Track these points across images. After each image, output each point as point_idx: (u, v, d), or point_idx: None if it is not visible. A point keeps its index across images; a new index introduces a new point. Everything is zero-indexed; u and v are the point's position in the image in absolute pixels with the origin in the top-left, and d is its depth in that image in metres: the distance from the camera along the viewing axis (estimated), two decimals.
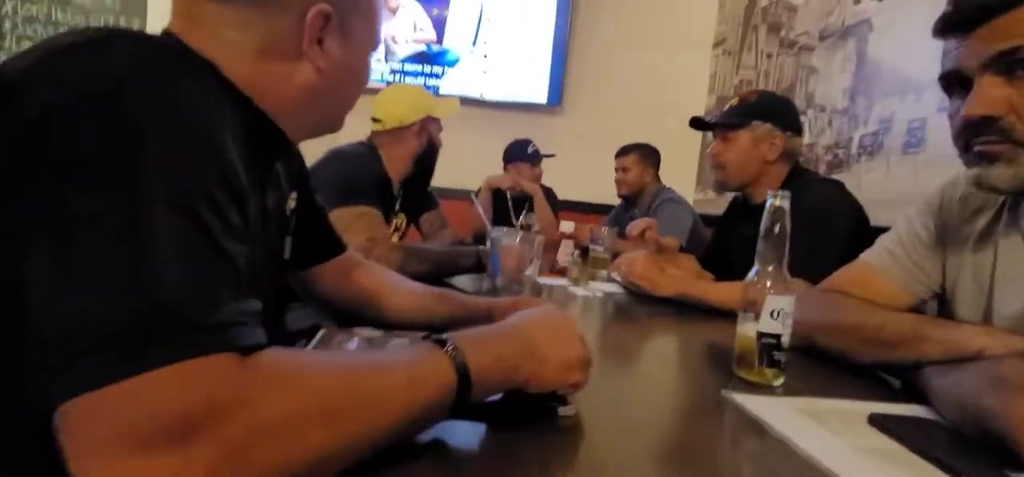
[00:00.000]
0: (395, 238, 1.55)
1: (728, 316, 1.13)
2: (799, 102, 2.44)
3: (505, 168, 2.61)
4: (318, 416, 0.34)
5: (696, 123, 1.51)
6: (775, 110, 1.36)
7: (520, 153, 2.54)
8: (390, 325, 0.79)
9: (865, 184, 1.99)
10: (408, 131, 1.51)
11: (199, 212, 0.36)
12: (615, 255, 1.61)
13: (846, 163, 2.11)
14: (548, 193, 2.62)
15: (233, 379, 0.32)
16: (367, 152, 1.47)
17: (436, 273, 1.28)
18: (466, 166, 3.56)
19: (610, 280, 1.45)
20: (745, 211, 1.41)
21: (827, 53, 2.29)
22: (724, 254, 1.54)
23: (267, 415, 0.33)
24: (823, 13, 2.32)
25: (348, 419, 0.36)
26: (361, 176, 1.35)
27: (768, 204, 0.72)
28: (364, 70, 0.62)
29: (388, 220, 1.52)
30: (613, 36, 3.44)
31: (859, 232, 1.22)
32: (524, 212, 2.62)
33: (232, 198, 0.40)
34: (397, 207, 1.57)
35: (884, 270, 0.89)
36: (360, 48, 0.59)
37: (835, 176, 2.21)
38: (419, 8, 3.26)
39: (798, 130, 1.36)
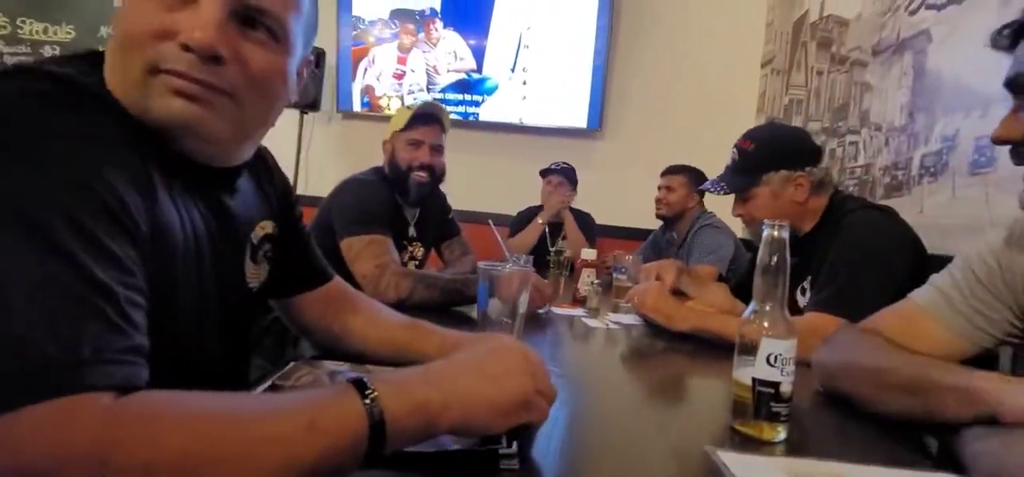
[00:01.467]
0: (412, 266, 1.55)
1: None
2: (853, 121, 2.26)
3: (542, 189, 2.61)
4: (183, 467, 0.32)
5: (703, 189, 1.42)
6: (781, 152, 1.23)
7: (554, 165, 2.55)
8: (364, 358, 0.77)
9: (929, 208, 1.81)
10: (386, 150, 1.54)
11: (58, 242, 0.34)
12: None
13: (906, 185, 1.93)
14: (585, 218, 2.57)
15: (91, 424, 0.31)
16: (378, 179, 1.49)
17: (445, 301, 1.27)
18: (506, 191, 3.57)
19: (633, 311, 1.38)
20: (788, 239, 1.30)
21: (882, 68, 2.12)
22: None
23: (124, 464, 0.31)
24: (876, 27, 2.16)
25: (221, 469, 0.33)
26: (371, 203, 1.37)
27: (765, 234, 0.65)
28: (122, 13, 0.51)
29: (401, 246, 1.53)
30: (655, 57, 3.37)
31: (913, 264, 1.09)
32: (559, 240, 2.58)
33: (111, 227, 0.38)
34: (412, 233, 1.57)
35: (935, 312, 0.79)
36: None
37: (895, 199, 2.02)
38: (458, 38, 3.33)
39: (815, 157, 1.23)
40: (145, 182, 0.45)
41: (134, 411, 0.33)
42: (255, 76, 0.53)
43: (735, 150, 1.29)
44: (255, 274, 0.71)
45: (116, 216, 0.39)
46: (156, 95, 0.50)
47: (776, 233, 0.63)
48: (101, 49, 0.53)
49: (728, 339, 1.09)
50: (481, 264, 0.85)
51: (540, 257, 2.59)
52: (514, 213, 3.34)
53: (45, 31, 3.69)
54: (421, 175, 1.51)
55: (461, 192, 3.37)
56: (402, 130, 1.49)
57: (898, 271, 1.07)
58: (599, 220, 3.02)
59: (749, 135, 1.28)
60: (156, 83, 0.50)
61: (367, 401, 0.40)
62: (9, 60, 3.65)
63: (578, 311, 1.39)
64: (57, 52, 3.64)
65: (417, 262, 1.58)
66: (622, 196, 3.35)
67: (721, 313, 1.24)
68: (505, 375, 0.48)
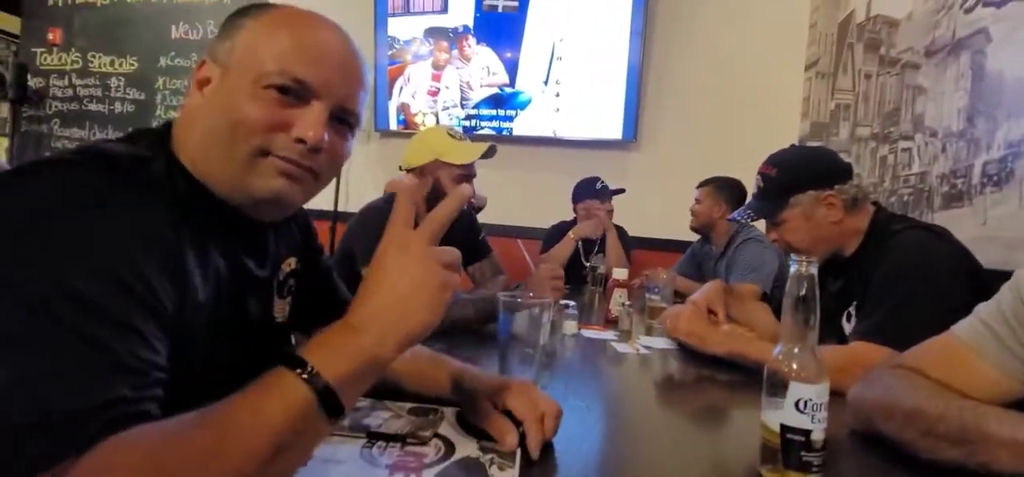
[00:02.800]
0: None
1: None
2: (906, 126, 2.13)
3: (574, 209, 2.56)
4: None
5: (732, 219, 1.36)
6: (806, 172, 1.17)
7: (588, 190, 2.48)
8: (384, 392, 0.77)
9: (993, 220, 1.67)
10: (418, 173, 1.49)
11: (60, 311, 0.40)
12: (682, 297, 1.49)
13: (967, 195, 1.80)
14: (619, 232, 2.52)
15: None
16: (390, 206, 1.49)
17: (479, 319, 1.27)
18: (540, 205, 3.56)
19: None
20: (832, 263, 1.23)
21: (936, 70, 1.99)
22: None
23: None
24: (928, 26, 2.03)
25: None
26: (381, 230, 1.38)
27: (793, 269, 0.61)
28: (233, 103, 0.58)
29: None
30: (692, 64, 3.29)
31: (969, 288, 1.00)
32: (594, 253, 2.54)
33: (141, 313, 0.45)
34: None
35: (980, 348, 0.72)
36: (235, 81, 0.59)
37: (955, 210, 1.89)
38: (491, 53, 3.36)
39: (844, 174, 1.16)
40: (178, 263, 0.52)
41: (97, 465, 0.37)
42: (336, 160, 0.63)
43: (758, 177, 1.23)
44: (281, 308, 0.74)
45: (145, 301, 0.46)
46: (263, 175, 0.59)
47: (804, 269, 0.60)
48: (170, 119, 0.64)
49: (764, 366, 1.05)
50: (500, 296, 0.84)
51: (573, 273, 2.56)
52: (548, 226, 3.33)
53: (112, 63, 3.96)
54: (465, 211, 1.54)
55: (494, 207, 3.39)
56: (455, 165, 1.47)
57: (951, 296, 0.99)
58: (634, 233, 2.96)
59: (770, 160, 1.22)
60: (264, 164, 0.59)
61: (305, 376, 0.44)
62: (82, 91, 3.95)
63: (608, 334, 1.36)
64: (122, 82, 3.91)
65: None
66: (658, 208, 3.28)
67: (760, 339, 1.18)
68: (412, 274, 0.53)
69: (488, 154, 1.52)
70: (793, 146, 1.30)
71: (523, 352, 0.82)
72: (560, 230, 2.55)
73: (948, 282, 0.99)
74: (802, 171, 1.17)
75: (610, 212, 2.47)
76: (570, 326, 1.31)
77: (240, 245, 0.65)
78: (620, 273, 1.55)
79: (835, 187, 1.14)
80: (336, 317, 0.83)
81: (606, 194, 2.46)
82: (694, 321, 1.13)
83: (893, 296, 1.00)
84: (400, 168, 1.57)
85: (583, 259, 2.55)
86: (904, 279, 1.00)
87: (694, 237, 2.61)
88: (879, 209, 1.17)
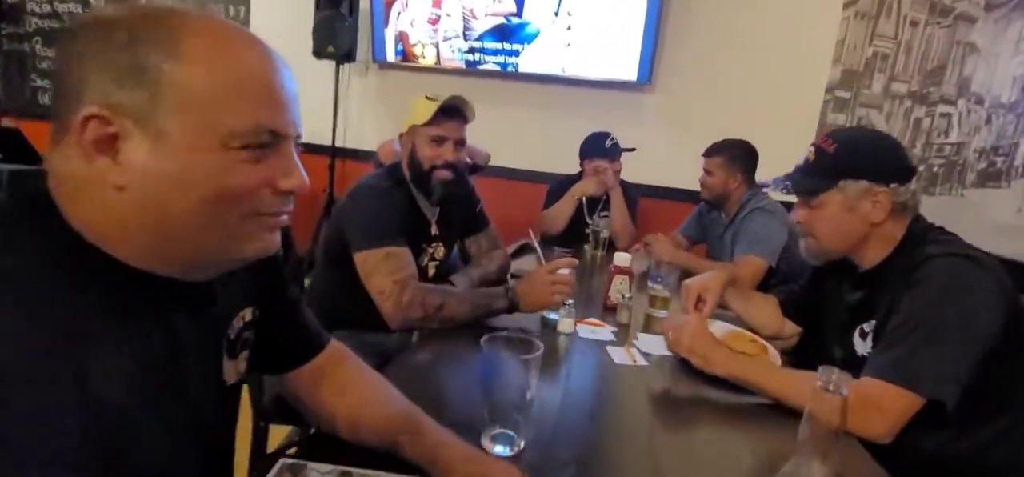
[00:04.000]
0: (432, 268, 1.48)
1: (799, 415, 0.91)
2: (949, 88, 1.94)
3: (581, 164, 2.42)
4: None
5: (764, 185, 1.20)
6: (868, 160, 1.03)
7: (597, 148, 2.32)
8: (353, 450, 0.71)
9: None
10: (403, 143, 1.42)
11: None
12: (683, 276, 1.40)
13: (1006, 175, 1.65)
14: (625, 190, 2.39)
15: None
16: (392, 184, 1.38)
17: (475, 316, 1.20)
18: (546, 149, 3.39)
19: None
20: (851, 271, 1.12)
21: (995, 27, 1.78)
22: (814, 307, 1.27)
23: None
24: None
25: None
26: (385, 213, 1.28)
27: (820, 379, 0.51)
28: (205, 176, 0.49)
29: (421, 249, 1.44)
30: (715, 1, 3.00)
31: (1005, 326, 0.90)
32: (597, 213, 2.43)
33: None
34: (433, 232, 1.49)
35: None
36: (189, 146, 0.48)
37: (988, 189, 1.74)
38: None
39: (906, 174, 1.02)
40: (73, 378, 0.45)
41: None
42: (302, 195, 0.58)
43: (813, 149, 1.09)
44: (233, 369, 0.66)
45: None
46: (254, 236, 0.55)
47: (832, 386, 0.50)
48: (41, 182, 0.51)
49: (767, 394, 0.97)
50: (484, 343, 0.75)
51: (576, 230, 2.46)
52: (554, 171, 3.19)
53: None
54: (444, 173, 1.40)
55: (497, 148, 3.23)
56: (423, 125, 1.37)
57: (983, 335, 0.89)
58: (644, 180, 2.82)
59: (834, 134, 1.08)
60: (254, 225, 0.54)
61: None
62: (60, 7, 3.71)
63: (603, 332, 1.28)
64: None
65: (437, 263, 1.50)
66: (670, 157, 3.11)
67: (762, 357, 1.10)
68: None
69: (449, 105, 1.35)
70: (860, 127, 1.14)
71: (509, 416, 0.75)
72: (563, 185, 2.41)
73: (983, 322, 0.89)
74: (865, 157, 1.03)
75: (618, 172, 2.32)
76: (566, 324, 1.23)
77: (170, 310, 0.56)
78: (622, 258, 1.45)
79: (891, 185, 1.01)
80: (305, 360, 0.76)
81: (616, 152, 2.30)
82: (697, 340, 1.04)
83: (918, 333, 0.90)
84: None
85: (586, 216, 2.44)
86: (933, 315, 0.90)
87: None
88: (917, 219, 1.05)
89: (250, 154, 0.51)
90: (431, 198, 1.44)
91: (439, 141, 1.39)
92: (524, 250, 2.14)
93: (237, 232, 0.53)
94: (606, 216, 2.41)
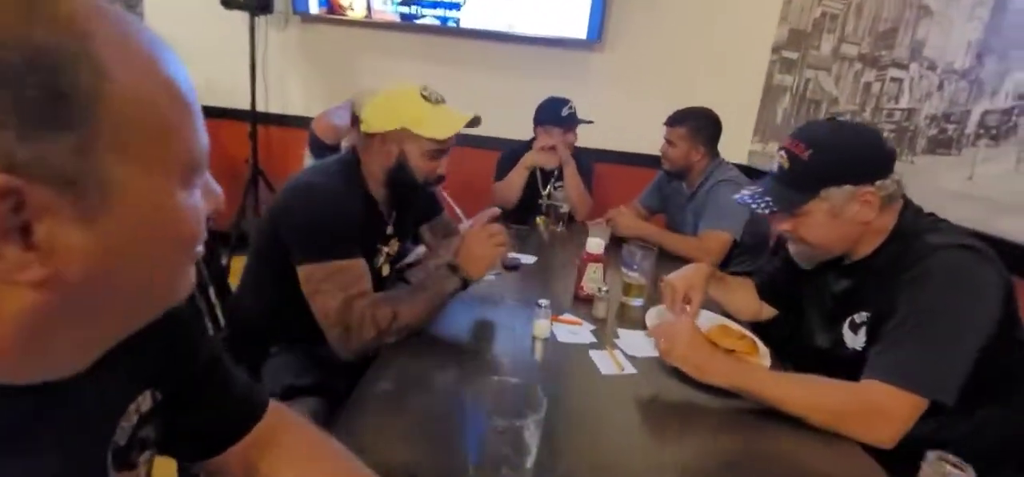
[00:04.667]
0: (386, 268, 1.29)
1: (799, 426, 0.86)
2: (901, 52, 1.93)
3: (535, 131, 2.25)
4: None
5: (744, 203, 1.05)
6: (848, 163, 0.95)
7: (552, 115, 2.16)
8: None
9: (981, 177, 1.57)
10: (379, 141, 1.16)
11: None
12: (659, 261, 1.31)
13: (957, 143, 1.68)
14: (579, 160, 2.26)
15: None
16: (341, 179, 1.15)
17: (432, 311, 1.06)
18: (491, 113, 3.18)
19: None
20: (836, 260, 1.06)
21: None
22: (794, 289, 1.21)
23: None
24: None
25: None
26: (330, 220, 1.06)
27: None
28: (175, 220, 0.37)
29: (376, 251, 1.25)
30: None
31: (1004, 315, 0.87)
32: (552, 183, 2.30)
33: None
34: (389, 231, 1.30)
35: None
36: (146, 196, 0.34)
37: (939, 156, 1.77)
38: None
39: (889, 164, 0.96)
40: None
41: None
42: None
43: (784, 155, 1.00)
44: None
45: None
46: (188, 274, 0.42)
47: None
48: None
49: (770, 402, 0.90)
50: (469, 399, 0.61)
51: (530, 203, 2.32)
52: (499, 136, 3.01)
53: None
54: (435, 186, 1.25)
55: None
56: (426, 136, 1.15)
57: (985, 329, 0.86)
58: (596, 145, 2.72)
59: (804, 136, 0.98)
60: (189, 263, 0.42)
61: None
62: None
63: (582, 333, 1.17)
64: None
65: (392, 258, 1.31)
66: (624, 119, 3.03)
67: (754, 358, 1.03)
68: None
69: (472, 123, 1.19)
70: (831, 121, 1.05)
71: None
72: (516, 154, 2.25)
73: (985, 317, 0.86)
74: (843, 161, 0.94)
75: (570, 144, 2.18)
76: (542, 327, 1.11)
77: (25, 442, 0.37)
78: (595, 244, 1.33)
79: (876, 183, 0.94)
80: (234, 440, 0.58)
81: (572, 122, 2.15)
82: (691, 348, 0.95)
83: (923, 333, 0.85)
84: (360, 124, 1.19)
85: (540, 187, 2.31)
86: (937, 314, 0.85)
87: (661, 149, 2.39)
88: (906, 204, 0.99)
89: (191, 189, 0.39)
90: (398, 202, 1.26)
91: (442, 152, 1.19)
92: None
93: (178, 278, 0.41)
94: (560, 186, 2.29)
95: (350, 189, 1.14)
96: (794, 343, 1.27)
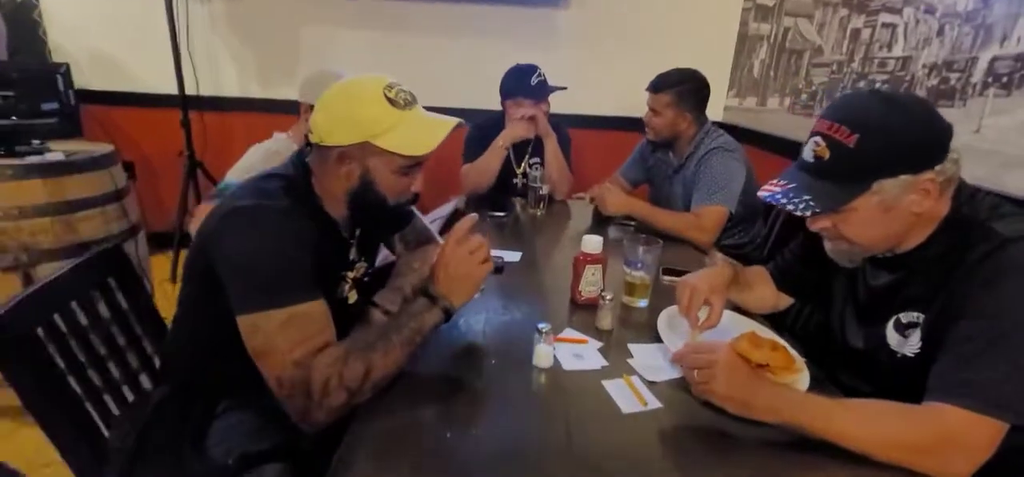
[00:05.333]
0: (353, 296, 1.08)
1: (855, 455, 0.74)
2: None
3: (503, 104, 2.04)
4: None
5: (776, 203, 0.86)
6: (903, 149, 0.78)
7: (520, 86, 1.94)
8: None
9: (989, 130, 1.46)
10: (336, 158, 0.93)
11: None
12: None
13: (961, 94, 1.56)
14: (560, 133, 2.06)
15: None
16: (289, 197, 0.91)
17: (410, 351, 0.87)
18: (451, 81, 2.94)
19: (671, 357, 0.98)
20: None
21: None
22: (817, 278, 1.08)
23: None
24: None
25: None
26: (278, 255, 0.83)
27: None
28: None
29: (340, 279, 1.04)
30: None
31: None
32: (526, 159, 2.10)
33: None
34: (353, 256, 1.08)
35: None
36: None
37: (942, 109, 1.65)
38: None
39: (947, 145, 0.81)
40: None
41: None
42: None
43: (821, 141, 0.82)
44: None
45: None
46: None
47: None
48: None
49: (828, 438, 0.76)
50: None
51: (504, 185, 2.12)
52: (459, 106, 2.78)
53: None
54: (410, 205, 1.02)
55: (396, 78, 2.74)
56: (403, 157, 0.92)
57: None
58: (566, 109, 2.53)
59: (848, 117, 0.80)
60: None
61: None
62: None
63: (589, 354, 1.01)
64: None
65: (360, 282, 1.10)
66: (594, 79, 2.83)
67: (808, 395, 0.87)
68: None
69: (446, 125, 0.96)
70: (875, 93, 0.88)
71: None
72: (483, 130, 2.02)
73: None
74: (899, 146, 0.78)
75: (546, 113, 1.98)
76: (544, 356, 0.94)
77: None
78: (592, 243, 1.16)
79: (937, 167, 0.79)
80: None
81: (543, 92, 1.94)
82: (733, 386, 0.79)
83: (1009, 346, 0.72)
84: (309, 138, 0.95)
85: (513, 164, 2.11)
86: (1022, 321, 0.72)
87: (636, 111, 2.22)
88: (959, 184, 0.85)
89: None
90: (363, 226, 1.04)
91: (416, 168, 0.97)
92: (455, 217, 1.79)
93: None
94: (537, 163, 2.10)
95: (301, 210, 0.91)
96: (820, 339, 1.15)
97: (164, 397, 1.03)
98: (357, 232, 1.07)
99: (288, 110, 1.64)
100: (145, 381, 1.14)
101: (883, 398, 0.83)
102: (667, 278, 1.34)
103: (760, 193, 0.89)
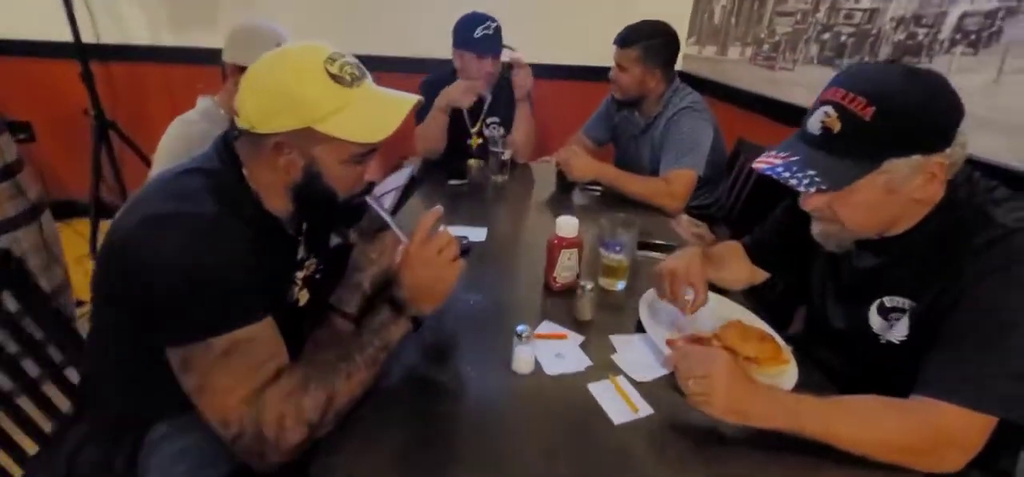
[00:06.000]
0: (304, 297, 0.94)
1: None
2: None
3: (455, 55, 1.86)
4: None
5: (777, 178, 0.78)
6: (923, 126, 0.73)
7: (463, 37, 1.76)
8: None
9: (957, 90, 1.45)
10: (273, 148, 0.76)
11: None
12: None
13: (928, 50, 1.54)
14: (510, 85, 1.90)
15: None
16: (216, 198, 0.73)
17: (376, 369, 0.76)
18: (403, 24, 2.68)
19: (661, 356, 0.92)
20: None
21: None
22: (794, 253, 1.04)
23: None
24: None
25: None
26: (210, 273, 0.67)
27: None
28: None
29: (290, 285, 0.90)
30: None
31: None
32: (483, 119, 1.94)
33: None
34: (301, 254, 0.93)
35: None
36: None
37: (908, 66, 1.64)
38: None
39: (957, 125, 0.75)
40: None
41: None
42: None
43: (833, 113, 0.75)
44: None
45: None
46: None
47: None
48: None
49: (826, 441, 0.73)
50: None
51: (459, 144, 1.96)
52: (419, 56, 2.57)
53: None
54: (363, 197, 0.87)
55: (340, 33, 2.47)
56: (354, 144, 0.77)
57: None
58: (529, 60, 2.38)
59: (866, 87, 0.73)
60: None
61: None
62: None
63: (571, 352, 0.93)
64: None
65: (312, 279, 0.96)
66: (550, 26, 2.66)
67: (804, 397, 0.82)
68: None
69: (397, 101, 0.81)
70: (893, 65, 0.80)
71: None
72: (435, 88, 1.82)
73: None
74: (918, 122, 0.72)
75: (490, 74, 1.81)
76: (524, 361, 0.85)
77: None
78: (567, 225, 1.06)
79: (947, 151, 0.73)
80: None
81: (487, 47, 1.76)
82: (732, 396, 0.73)
83: (1007, 342, 0.69)
84: (235, 124, 0.78)
85: (467, 123, 1.95)
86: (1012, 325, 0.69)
87: (597, 60, 2.11)
88: (953, 178, 0.81)
89: None
90: (310, 222, 0.89)
91: (368, 155, 0.82)
92: (412, 187, 1.64)
93: None
94: (495, 122, 1.96)
95: (232, 210, 0.75)
96: (791, 312, 1.13)
97: (85, 438, 0.88)
98: (304, 226, 0.92)
99: (209, 60, 1.40)
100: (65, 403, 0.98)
101: (866, 380, 0.81)
102: (643, 253, 1.27)
103: (756, 165, 0.82)
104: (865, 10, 1.75)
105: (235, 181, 0.79)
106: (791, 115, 2.05)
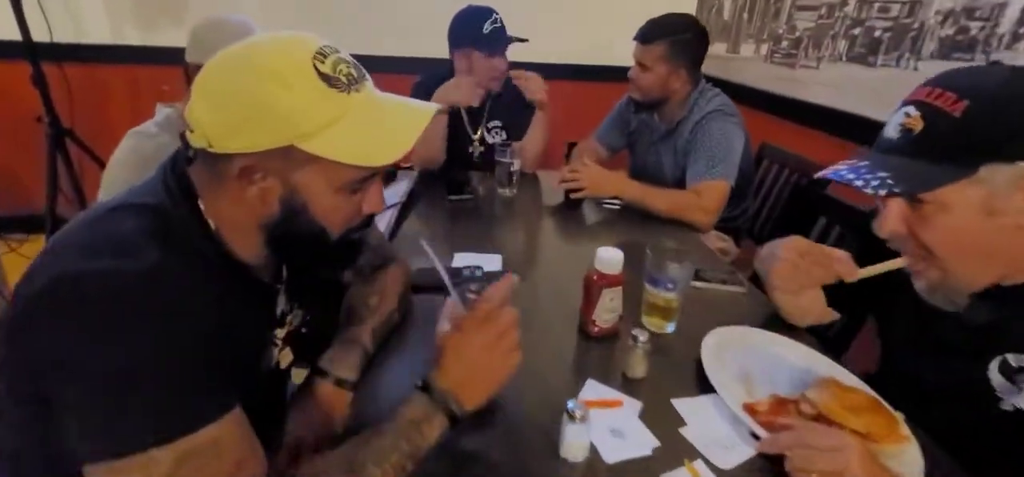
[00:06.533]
0: (285, 358, 0.74)
1: None
2: None
3: (452, 54, 1.67)
4: None
5: (849, 184, 0.65)
6: (1015, 119, 0.58)
7: (469, 34, 1.57)
8: None
9: None
10: (242, 174, 0.57)
11: None
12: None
13: (983, 47, 1.39)
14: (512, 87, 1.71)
15: None
16: (155, 247, 0.52)
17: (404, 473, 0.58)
18: (400, 23, 2.48)
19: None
20: None
21: None
22: (875, 300, 0.88)
23: None
24: None
25: None
26: (144, 364, 0.47)
27: None
28: None
29: (265, 348, 0.70)
30: None
31: None
32: (484, 122, 1.75)
33: None
34: (282, 306, 0.73)
35: None
36: None
37: (957, 63, 1.48)
38: None
39: None
40: None
41: None
42: None
43: (915, 112, 0.62)
44: None
45: None
46: None
47: None
48: None
49: None
50: None
51: (460, 151, 1.76)
52: (418, 55, 2.38)
53: None
54: (362, 230, 0.68)
55: (340, 29, 2.25)
56: (352, 167, 0.58)
57: None
58: (526, 58, 2.19)
59: (959, 85, 0.60)
60: None
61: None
62: None
63: (630, 424, 0.75)
64: None
65: (296, 334, 0.76)
66: (558, 24, 2.49)
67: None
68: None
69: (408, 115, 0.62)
70: (996, 67, 0.66)
71: None
72: (429, 90, 1.62)
73: None
74: (1010, 113, 0.58)
75: (501, 72, 1.63)
76: (578, 447, 0.67)
77: None
78: (609, 261, 0.88)
79: None
80: None
81: (499, 43, 1.58)
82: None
83: None
84: (188, 141, 0.57)
85: (468, 128, 1.77)
86: None
87: (611, 60, 1.94)
88: None
89: None
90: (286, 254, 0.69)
91: (367, 182, 0.63)
92: (411, 204, 1.45)
93: None
94: (498, 127, 1.77)
95: (186, 261, 0.55)
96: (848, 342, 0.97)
97: None
98: (284, 270, 0.72)
99: (179, 60, 1.19)
100: None
101: (979, 448, 0.68)
102: (699, 284, 1.10)
103: (821, 174, 0.68)
104: (904, 3, 1.60)
105: (187, 217, 0.59)
106: (816, 117, 1.91)
